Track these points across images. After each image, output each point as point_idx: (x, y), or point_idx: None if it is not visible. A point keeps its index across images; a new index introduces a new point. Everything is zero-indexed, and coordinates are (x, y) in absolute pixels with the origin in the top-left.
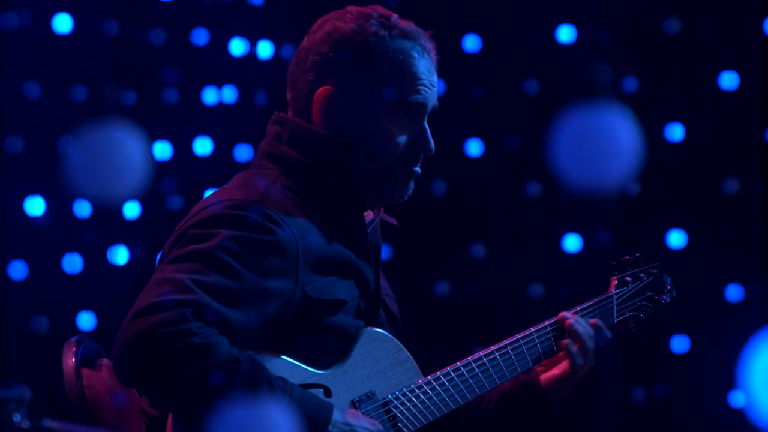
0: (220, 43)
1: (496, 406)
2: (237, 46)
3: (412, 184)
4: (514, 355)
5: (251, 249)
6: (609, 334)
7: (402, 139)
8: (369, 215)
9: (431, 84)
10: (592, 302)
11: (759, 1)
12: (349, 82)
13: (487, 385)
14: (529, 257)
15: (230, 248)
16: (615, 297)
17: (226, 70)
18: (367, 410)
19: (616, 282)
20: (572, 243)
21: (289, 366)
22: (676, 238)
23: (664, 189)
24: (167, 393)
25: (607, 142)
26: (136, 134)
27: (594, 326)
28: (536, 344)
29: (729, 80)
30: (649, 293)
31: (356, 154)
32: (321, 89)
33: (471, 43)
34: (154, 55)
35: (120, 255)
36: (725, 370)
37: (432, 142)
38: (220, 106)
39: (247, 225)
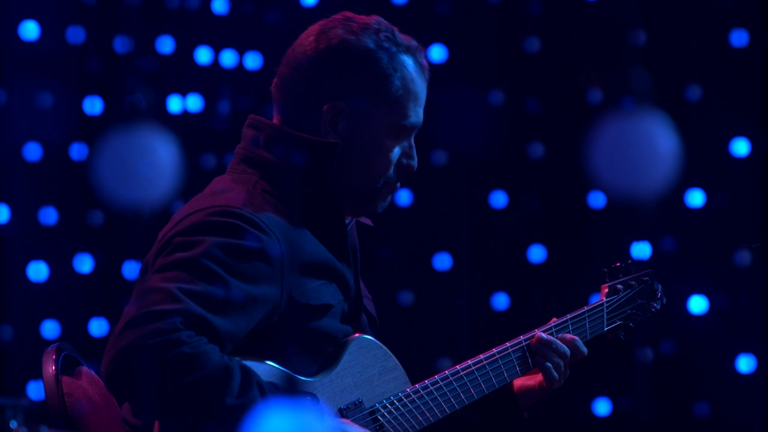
0: (185, 51)
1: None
2: (202, 55)
3: (390, 198)
4: (503, 364)
5: (237, 256)
6: (585, 350)
7: (394, 156)
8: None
9: (423, 105)
10: (583, 310)
11: (724, 13)
12: (358, 97)
13: (475, 395)
14: (494, 268)
15: (216, 256)
16: (606, 305)
17: (190, 78)
18: (354, 419)
19: (607, 290)
20: (537, 254)
21: (276, 373)
22: (641, 250)
23: (629, 201)
24: (159, 403)
25: (645, 148)
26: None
27: (570, 343)
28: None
29: (693, 92)
30: (639, 301)
31: (339, 160)
32: (331, 104)
33: (437, 53)
34: (119, 63)
35: (85, 263)
36: (690, 381)
37: (416, 159)
38: (185, 115)
39: (232, 232)
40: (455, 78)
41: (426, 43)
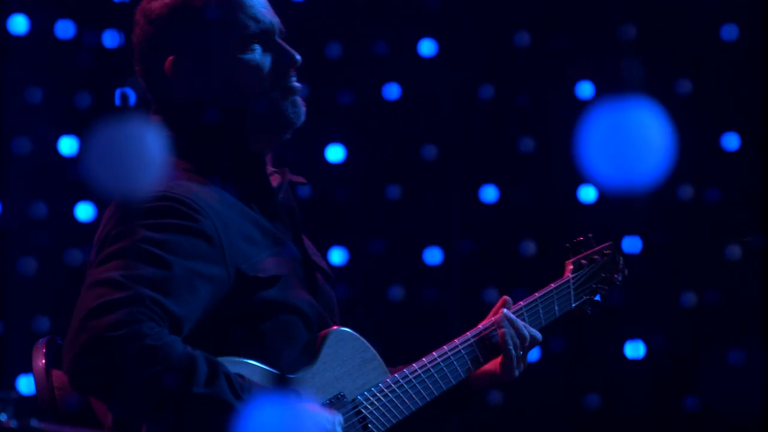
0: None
1: None
2: None
3: (299, 101)
4: (478, 347)
5: (174, 235)
6: (539, 337)
7: (264, 63)
8: (276, 179)
9: (264, 6)
10: (550, 288)
11: (716, 7)
12: (186, 43)
13: (452, 380)
14: (485, 262)
15: (153, 238)
16: (572, 282)
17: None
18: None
19: (572, 266)
20: (528, 248)
21: (259, 371)
22: (631, 244)
23: (620, 195)
24: (123, 398)
25: (639, 139)
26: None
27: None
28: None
29: (683, 86)
30: (603, 275)
31: (234, 107)
32: (166, 63)
33: (427, 47)
34: (108, 58)
35: (75, 257)
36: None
37: (293, 51)
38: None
39: (165, 213)
40: (445, 72)
41: (416, 38)
